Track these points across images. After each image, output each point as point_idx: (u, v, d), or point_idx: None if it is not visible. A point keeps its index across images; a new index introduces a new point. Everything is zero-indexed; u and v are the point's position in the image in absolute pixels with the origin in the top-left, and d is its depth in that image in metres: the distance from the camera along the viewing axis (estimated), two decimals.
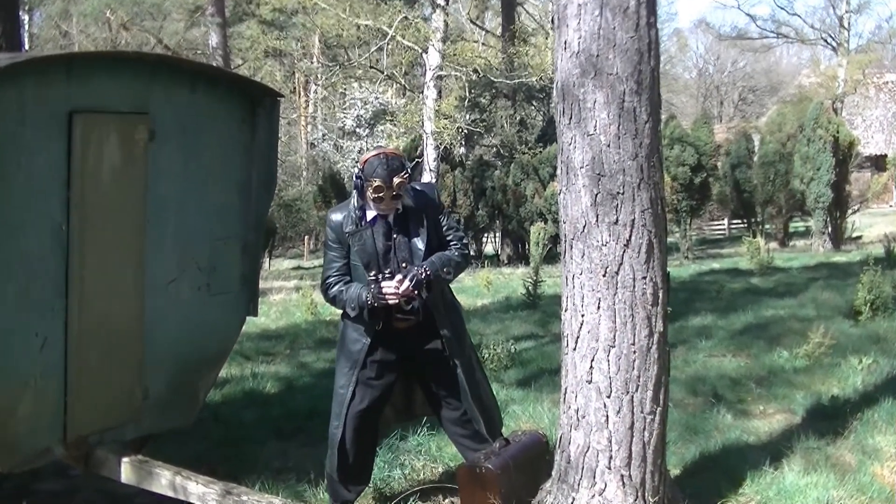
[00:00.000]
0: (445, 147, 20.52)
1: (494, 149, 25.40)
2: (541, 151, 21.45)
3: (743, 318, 7.97)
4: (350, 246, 3.49)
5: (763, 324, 7.63)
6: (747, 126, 24.66)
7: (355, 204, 3.48)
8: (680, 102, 49.30)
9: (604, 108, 3.17)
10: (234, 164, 3.78)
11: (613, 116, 3.17)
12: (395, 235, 3.49)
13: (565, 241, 3.34)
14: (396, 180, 3.37)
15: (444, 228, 3.59)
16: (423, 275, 3.41)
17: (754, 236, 15.15)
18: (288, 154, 34.03)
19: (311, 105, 37.49)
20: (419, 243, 3.48)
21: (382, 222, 3.50)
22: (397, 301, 3.37)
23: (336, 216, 3.53)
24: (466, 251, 3.64)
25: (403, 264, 3.46)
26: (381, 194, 3.37)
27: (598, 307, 3.24)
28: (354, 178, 3.43)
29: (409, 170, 3.42)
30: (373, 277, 3.41)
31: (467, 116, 23.06)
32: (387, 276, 3.41)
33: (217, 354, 3.93)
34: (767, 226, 19.79)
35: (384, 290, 3.35)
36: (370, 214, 3.48)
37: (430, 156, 20.16)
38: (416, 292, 3.43)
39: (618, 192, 3.18)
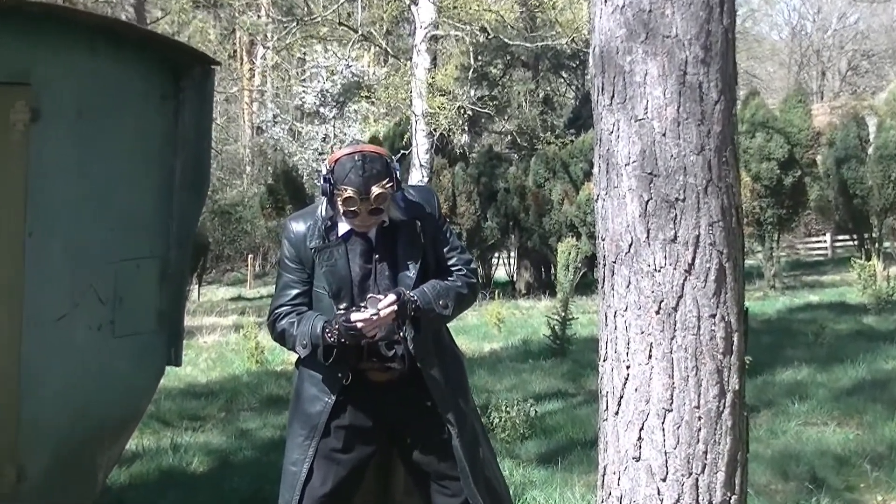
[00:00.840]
0: (442, 134, 20.08)
1: (509, 137, 25.29)
2: (572, 141, 21.61)
3: (852, 373, 7.94)
4: (315, 267, 3.50)
5: (881, 381, 7.60)
6: (859, 106, 24.29)
7: (323, 213, 3.50)
8: (765, 73, 48.02)
9: (658, 83, 3.11)
10: (149, 156, 3.76)
11: (671, 94, 3.11)
12: (376, 256, 3.50)
13: (605, 264, 3.26)
14: (376, 191, 3.38)
15: (446, 249, 3.62)
16: (412, 304, 3.42)
17: (868, 258, 14.98)
18: (226, 143, 33.69)
19: (257, 76, 37.37)
20: (410, 269, 3.50)
21: (360, 238, 3.53)
22: (372, 336, 3.36)
23: (297, 226, 3.55)
24: (474, 280, 3.67)
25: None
26: (353, 208, 3.39)
27: (650, 356, 3.18)
28: (322, 181, 3.42)
29: (395, 176, 3.43)
30: (344, 310, 3.42)
31: (472, 92, 22.75)
32: (362, 308, 3.41)
33: (123, 419, 3.91)
34: (886, 244, 19.60)
35: (354, 320, 3.35)
36: (343, 227, 3.51)
37: (420, 146, 19.49)
38: (400, 328, 3.43)
39: (676, 199, 3.11)
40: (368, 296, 3.41)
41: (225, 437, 7.01)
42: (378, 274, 3.48)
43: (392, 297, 3.36)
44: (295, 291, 3.53)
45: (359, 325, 3.32)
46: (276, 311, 3.55)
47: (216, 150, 29.90)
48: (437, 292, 3.51)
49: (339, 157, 3.40)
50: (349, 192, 3.34)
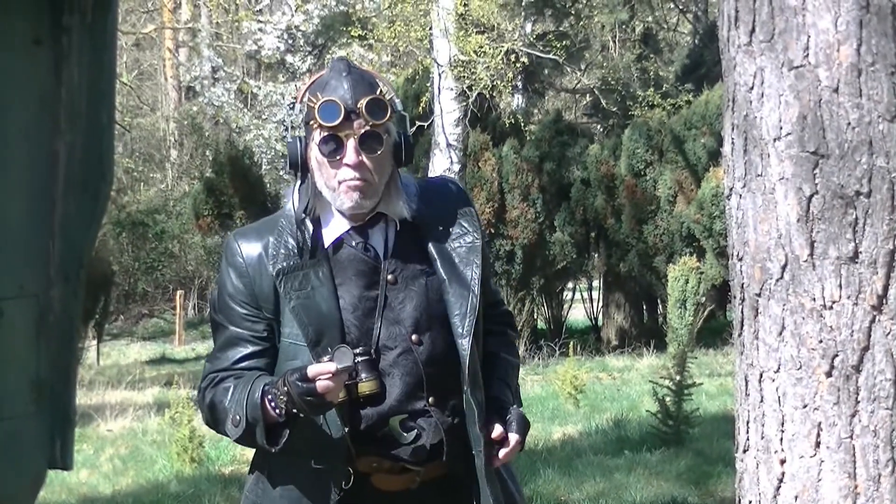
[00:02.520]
0: (481, 95, 14.46)
1: (588, 97, 19.22)
2: (688, 102, 16.23)
3: None
4: (280, 305, 2.75)
5: None
6: None
7: (294, 205, 2.76)
8: None
9: (827, 8, 2.60)
10: (15, 137, 2.77)
11: (848, 25, 2.60)
12: (387, 276, 2.74)
13: (744, 298, 2.75)
14: (368, 97, 2.69)
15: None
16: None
17: None
18: (138, 113, 25.91)
19: (185, 5, 27.21)
20: (451, 297, 2.76)
21: (356, 247, 2.76)
22: (341, 396, 2.62)
23: (248, 245, 2.81)
24: (514, 330, 3.13)
25: (412, 337, 2.73)
26: (335, 123, 2.67)
27: (817, 444, 2.64)
28: (289, 138, 2.79)
29: (395, 106, 2.76)
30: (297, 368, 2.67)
31: (528, 28, 16.98)
32: (360, 360, 2.65)
33: None
34: None
35: (312, 374, 2.57)
36: (331, 231, 2.75)
37: (447, 114, 14.17)
38: (425, 400, 2.71)
39: (857, 192, 2.59)
40: (339, 347, 2.62)
41: None
42: (391, 304, 2.73)
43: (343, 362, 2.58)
44: (242, 352, 2.77)
45: (320, 383, 2.52)
46: (210, 376, 2.82)
47: (123, 127, 22.94)
48: (511, 381, 2.94)
49: (314, 80, 2.80)
50: (327, 97, 2.67)
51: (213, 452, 8.29)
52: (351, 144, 2.66)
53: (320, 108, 2.67)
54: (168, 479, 7.82)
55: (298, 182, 2.75)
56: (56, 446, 2.93)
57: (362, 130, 2.66)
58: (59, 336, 2.89)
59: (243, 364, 2.75)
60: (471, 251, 2.83)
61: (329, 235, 2.74)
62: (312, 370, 2.56)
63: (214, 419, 2.78)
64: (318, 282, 2.72)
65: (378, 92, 2.74)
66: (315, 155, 2.69)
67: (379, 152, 2.68)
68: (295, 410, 2.58)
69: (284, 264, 2.72)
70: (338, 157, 2.66)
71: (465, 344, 2.70)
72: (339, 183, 2.66)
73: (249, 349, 2.74)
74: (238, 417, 2.67)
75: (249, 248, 2.76)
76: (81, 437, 8.91)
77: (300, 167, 2.71)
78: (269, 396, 2.64)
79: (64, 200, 2.78)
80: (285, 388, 2.59)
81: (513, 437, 2.78)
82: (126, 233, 22.23)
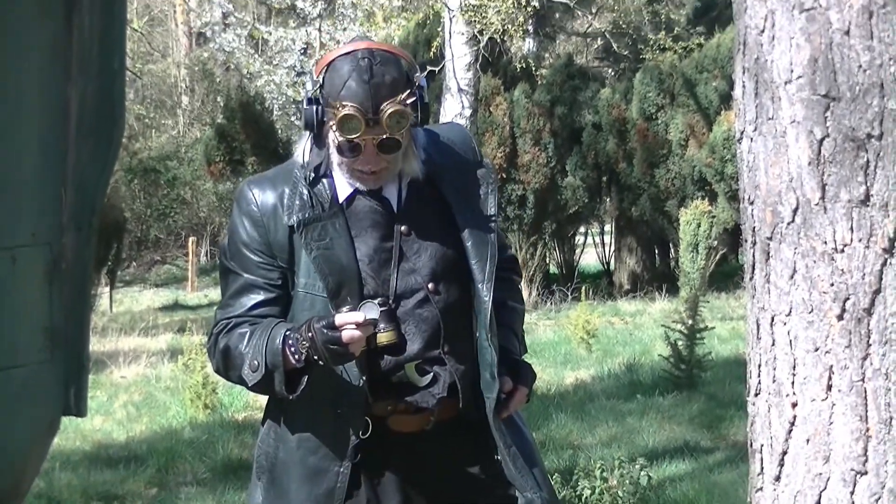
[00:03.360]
0: (493, 39, 14.23)
1: (599, 40, 19.51)
2: (699, 45, 16.22)
3: None
4: (295, 255, 2.76)
5: None
6: None
7: (305, 158, 2.75)
8: None
9: None
10: (27, 85, 2.82)
11: None
12: (401, 228, 2.77)
13: (755, 242, 2.75)
14: (390, 109, 2.61)
15: (494, 226, 2.92)
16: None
17: None
18: (149, 59, 25.87)
19: None
20: (470, 244, 2.77)
21: (371, 200, 2.77)
22: (370, 344, 2.66)
23: (262, 193, 2.81)
24: (519, 275, 3.13)
25: (429, 286, 2.75)
26: (355, 136, 2.61)
27: (829, 387, 2.62)
28: (305, 104, 2.70)
29: (420, 90, 2.70)
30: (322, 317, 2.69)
31: None
32: (382, 306, 2.70)
33: None
34: None
35: (340, 323, 2.60)
36: (342, 186, 2.76)
37: (458, 59, 13.65)
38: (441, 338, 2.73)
39: (869, 135, 2.56)
40: (366, 302, 2.67)
41: None
42: (406, 255, 2.74)
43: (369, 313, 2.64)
44: (256, 298, 2.77)
45: (346, 333, 2.55)
46: (223, 322, 2.80)
47: (134, 73, 22.64)
48: (517, 328, 2.94)
49: (333, 59, 2.67)
50: (348, 110, 2.58)
51: (226, 399, 8.30)
52: (369, 148, 2.64)
53: (340, 121, 2.63)
54: (181, 426, 7.83)
55: (310, 139, 2.72)
56: (70, 393, 2.97)
57: (383, 136, 2.62)
58: (72, 284, 2.93)
59: (257, 311, 2.75)
60: (486, 198, 2.82)
61: (343, 189, 2.73)
62: (340, 318, 2.56)
63: (228, 365, 2.77)
64: (335, 233, 2.71)
65: (400, 96, 2.66)
66: (331, 141, 2.66)
67: (396, 153, 2.66)
68: (315, 357, 2.59)
69: (301, 215, 2.71)
70: (355, 156, 2.64)
71: (485, 290, 2.70)
72: (355, 170, 2.65)
73: (263, 296, 2.73)
74: (256, 363, 2.67)
75: (264, 197, 2.74)
76: (95, 383, 8.79)
77: (316, 133, 2.68)
78: (290, 341, 2.64)
79: (76, 148, 2.84)
80: (310, 335, 2.59)
81: (522, 390, 2.81)
82: (138, 179, 22.01)
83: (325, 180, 2.72)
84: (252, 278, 2.74)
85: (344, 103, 2.58)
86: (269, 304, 2.74)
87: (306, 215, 2.70)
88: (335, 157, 2.68)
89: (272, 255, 2.73)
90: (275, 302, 2.73)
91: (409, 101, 2.62)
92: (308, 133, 2.72)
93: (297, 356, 2.61)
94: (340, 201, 2.72)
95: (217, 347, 2.78)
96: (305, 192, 2.72)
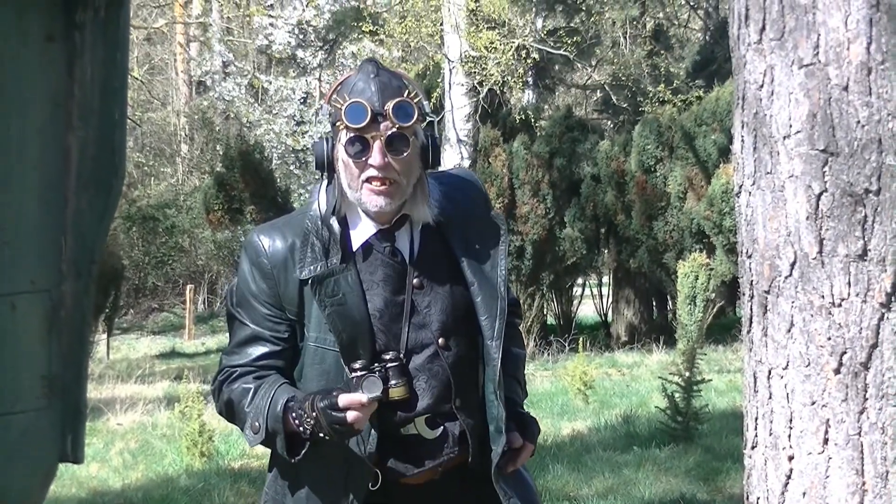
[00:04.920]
0: (492, 90, 14.80)
1: (599, 93, 19.24)
2: (699, 98, 16.02)
3: None
4: (305, 308, 2.73)
5: None
6: None
7: (320, 208, 2.72)
8: None
9: (837, 7, 2.61)
10: (29, 132, 2.72)
11: (858, 23, 2.60)
12: (413, 280, 2.75)
13: (753, 295, 2.75)
14: (396, 99, 2.65)
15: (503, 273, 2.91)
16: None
17: None
18: (149, 108, 25.79)
19: (197, 1, 27.16)
20: (479, 299, 2.76)
21: (381, 251, 2.75)
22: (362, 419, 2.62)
23: (272, 241, 2.77)
24: (521, 318, 3.12)
25: (440, 341, 2.72)
26: (362, 124, 2.63)
27: (825, 441, 2.64)
28: (318, 142, 2.74)
29: (423, 109, 2.72)
30: (360, 373, 2.61)
31: (539, 24, 16.65)
32: (391, 366, 2.66)
33: None
34: None
35: (343, 404, 2.56)
36: (358, 235, 2.74)
37: (457, 110, 14.47)
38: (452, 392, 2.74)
39: (867, 190, 2.61)
40: (367, 376, 2.63)
41: None
42: (417, 309, 2.73)
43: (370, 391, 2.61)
44: (262, 350, 2.75)
45: (350, 415, 2.54)
46: (227, 370, 2.79)
47: (134, 121, 23.67)
48: (519, 370, 2.96)
49: (345, 78, 2.75)
50: (355, 97, 2.64)
51: (222, 447, 8.24)
52: (377, 146, 2.63)
53: (347, 110, 2.64)
54: (178, 474, 7.78)
55: (325, 182, 2.71)
56: (67, 440, 2.91)
57: (389, 132, 2.63)
58: (71, 331, 2.87)
59: (262, 363, 2.75)
60: (496, 252, 2.82)
61: (357, 238, 2.72)
62: (344, 400, 2.55)
63: (231, 416, 2.78)
64: (348, 288, 2.70)
65: (406, 94, 2.71)
66: (341, 156, 2.66)
67: (405, 154, 2.65)
68: (321, 434, 2.58)
69: (313, 269, 2.70)
70: (364, 158, 2.63)
71: (494, 347, 2.69)
72: (364, 182, 2.64)
73: (269, 348, 2.73)
74: (258, 424, 2.67)
75: (275, 248, 2.73)
76: (92, 430, 8.77)
77: (326, 167, 2.68)
78: (294, 414, 2.64)
79: (76, 196, 2.77)
80: (314, 413, 2.59)
81: (528, 447, 2.81)
82: (136, 227, 22.01)
83: (337, 227, 2.70)
84: (259, 330, 2.73)
85: (350, 99, 2.62)
86: (274, 357, 2.73)
87: (318, 270, 2.69)
88: (345, 178, 2.65)
89: (281, 307, 2.72)
90: (280, 355, 2.72)
91: (416, 114, 2.64)
92: (322, 180, 2.72)
93: (303, 429, 2.61)
94: (354, 249, 2.71)
95: (221, 397, 2.77)
96: (318, 243, 2.70)
